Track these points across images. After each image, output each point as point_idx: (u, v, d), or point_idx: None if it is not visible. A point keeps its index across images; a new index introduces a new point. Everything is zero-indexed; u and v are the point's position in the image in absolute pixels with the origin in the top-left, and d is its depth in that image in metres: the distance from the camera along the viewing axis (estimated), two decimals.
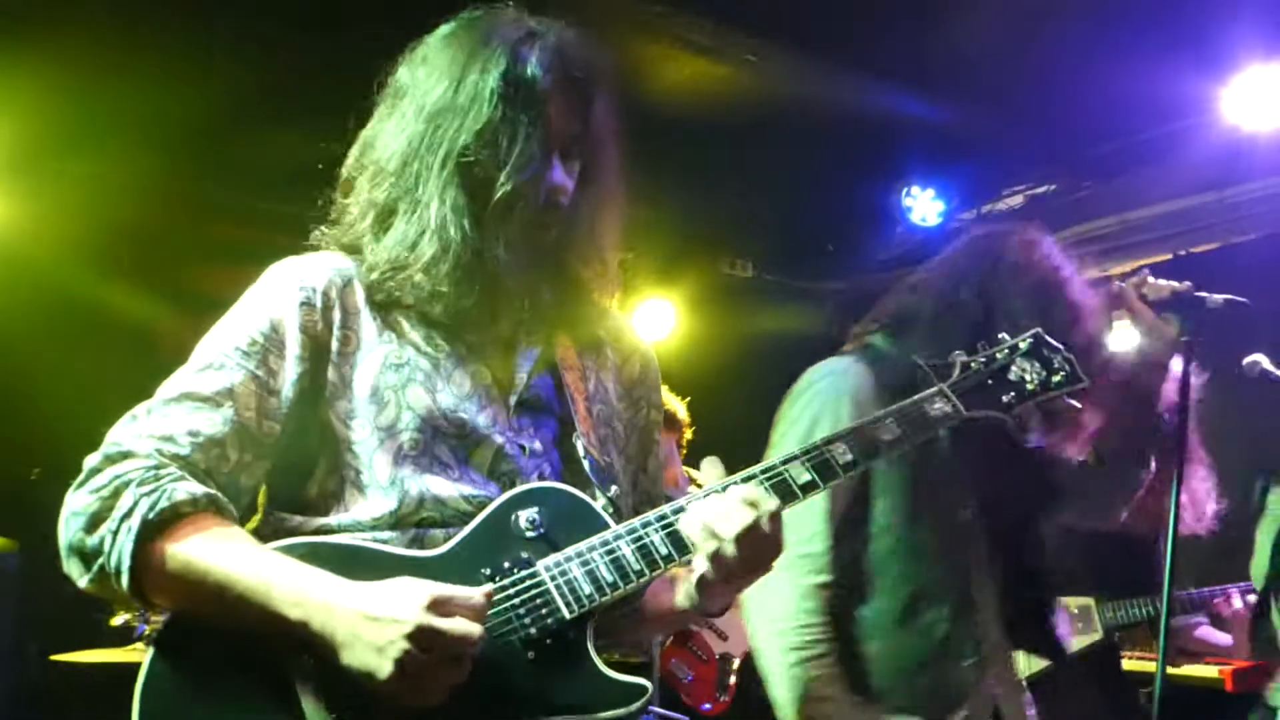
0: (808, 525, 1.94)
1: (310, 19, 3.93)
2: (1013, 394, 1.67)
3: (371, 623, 1.31)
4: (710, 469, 2.66)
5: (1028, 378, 1.68)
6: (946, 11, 4.10)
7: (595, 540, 1.44)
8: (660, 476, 1.73)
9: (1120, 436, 2.21)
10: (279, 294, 1.53)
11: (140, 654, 2.94)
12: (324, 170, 1.64)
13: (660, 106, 4.70)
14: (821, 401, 2.04)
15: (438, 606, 1.32)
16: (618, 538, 1.44)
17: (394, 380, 1.51)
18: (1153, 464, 2.22)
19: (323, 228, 1.62)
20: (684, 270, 5.85)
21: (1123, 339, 2.23)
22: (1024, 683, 2.17)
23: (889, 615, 1.96)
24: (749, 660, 4.05)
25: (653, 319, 5.81)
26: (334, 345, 1.52)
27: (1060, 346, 1.71)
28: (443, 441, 1.50)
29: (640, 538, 1.43)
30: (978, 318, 2.01)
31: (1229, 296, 2.11)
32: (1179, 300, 2.09)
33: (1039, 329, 1.71)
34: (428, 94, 1.53)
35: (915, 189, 5.25)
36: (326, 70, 4.26)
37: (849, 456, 1.53)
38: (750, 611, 1.99)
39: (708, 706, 4.09)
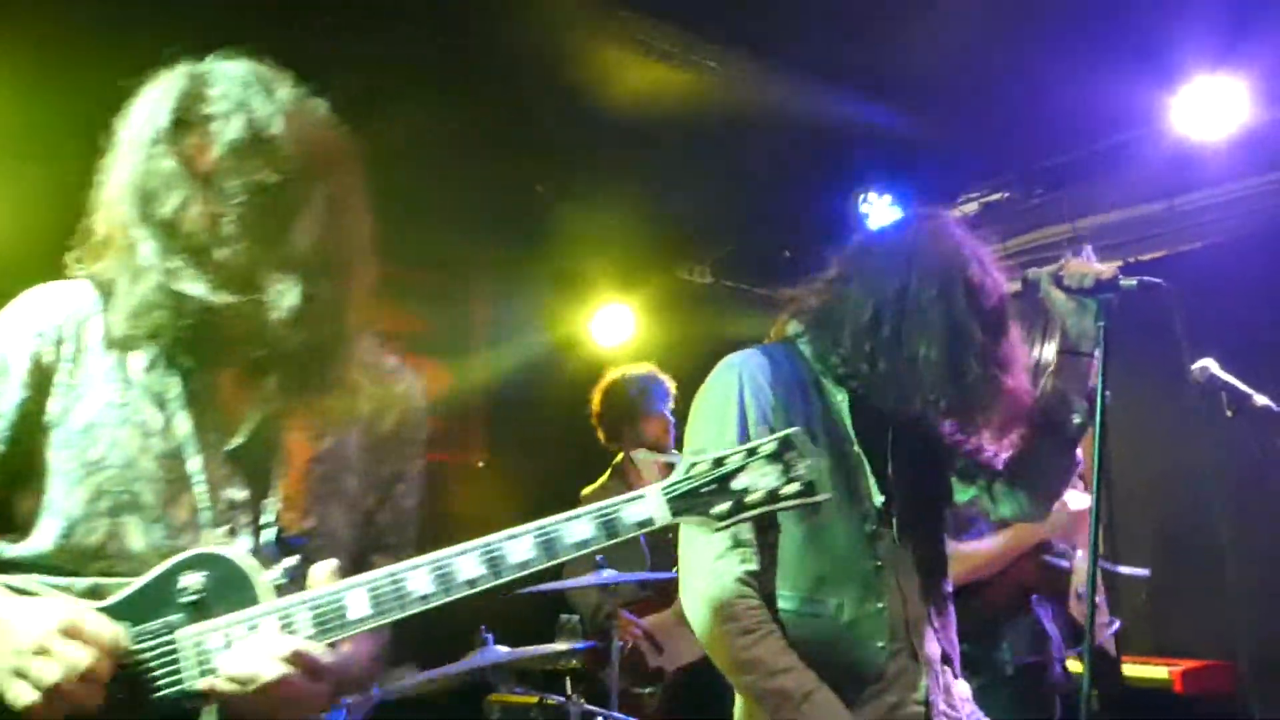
0: None
1: (270, 19, 3.91)
2: (728, 505, 1.54)
3: (5, 633, 1.37)
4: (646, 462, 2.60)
5: (752, 487, 1.55)
6: (904, 21, 4.15)
7: (243, 615, 1.45)
8: (400, 523, 1.74)
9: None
10: (16, 322, 1.57)
11: None
12: None
13: (620, 112, 4.72)
14: (715, 398, 2.08)
15: (68, 630, 1.36)
16: (267, 614, 1.45)
17: (112, 418, 1.53)
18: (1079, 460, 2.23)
19: (78, 257, 1.61)
20: (643, 276, 5.86)
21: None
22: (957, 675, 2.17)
23: (796, 600, 2.00)
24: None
25: (611, 324, 5.82)
26: (61, 377, 1.54)
27: (810, 454, 1.58)
28: (147, 484, 1.51)
29: (288, 618, 1.45)
30: (885, 308, 2.05)
31: (1143, 278, 2.10)
32: (1098, 285, 2.08)
33: (795, 431, 1.59)
34: (125, 139, 1.54)
35: (872, 195, 5.29)
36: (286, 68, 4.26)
37: (527, 555, 1.55)
38: (694, 603, 2.00)
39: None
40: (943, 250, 2.08)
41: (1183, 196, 4.89)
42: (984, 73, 4.47)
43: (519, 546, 1.56)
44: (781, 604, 2.00)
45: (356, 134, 4.58)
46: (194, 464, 1.52)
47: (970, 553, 3.20)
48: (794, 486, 1.54)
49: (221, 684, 1.41)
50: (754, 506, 1.54)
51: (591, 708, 3.53)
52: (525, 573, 1.55)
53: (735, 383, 2.05)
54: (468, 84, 4.56)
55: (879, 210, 5.30)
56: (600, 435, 4.50)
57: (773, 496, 1.54)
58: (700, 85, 4.64)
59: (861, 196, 5.29)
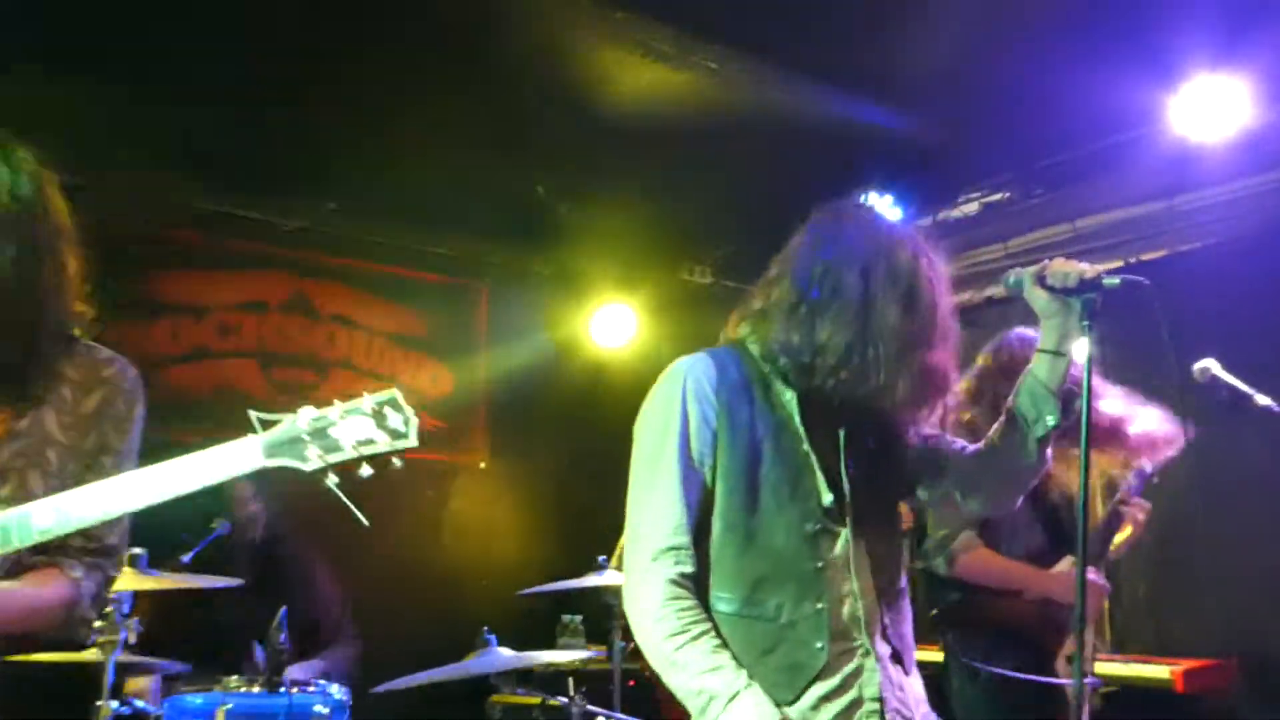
0: (670, 518, 1.98)
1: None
2: (319, 450, 1.72)
3: None
4: None
5: (345, 439, 1.73)
6: (904, 22, 4.15)
7: None
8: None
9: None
10: None
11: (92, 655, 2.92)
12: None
13: (622, 112, 4.73)
14: (659, 405, 2.07)
15: None
16: None
17: None
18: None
19: None
20: (643, 276, 5.87)
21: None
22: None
23: (736, 602, 1.99)
24: None
25: (612, 325, 5.82)
26: None
27: (408, 413, 1.75)
28: None
29: None
30: (806, 298, 2.05)
31: (1127, 277, 2.08)
32: (1082, 285, 2.07)
33: (395, 390, 1.75)
34: None
35: (873, 195, 5.29)
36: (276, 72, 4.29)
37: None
38: (629, 610, 2.01)
39: None
40: (863, 235, 2.11)
41: (1182, 196, 4.88)
42: (984, 73, 4.47)
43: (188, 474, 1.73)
44: (721, 606, 2.00)
45: (365, 138, 4.59)
46: None
47: (1019, 569, 3.22)
48: (384, 437, 1.72)
49: None
50: (342, 452, 1.72)
51: (594, 709, 3.54)
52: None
53: (679, 389, 2.05)
54: (471, 86, 4.58)
55: (880, 210, 5.29)
56: None
57: (363, 445, 1.72)
58: (700, 86, 4.65)
59: (862, 197, 5.29)
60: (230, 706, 3.07)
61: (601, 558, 3.82)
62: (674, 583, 1.96)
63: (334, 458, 1.71)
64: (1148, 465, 3.35)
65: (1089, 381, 2.07)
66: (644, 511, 2.01)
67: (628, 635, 4.14)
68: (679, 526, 1.98)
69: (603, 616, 4.14)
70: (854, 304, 2.01)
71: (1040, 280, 2.11)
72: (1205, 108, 4.25)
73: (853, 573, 2.04)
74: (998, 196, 5.47)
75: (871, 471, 2.14)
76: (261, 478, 1.74)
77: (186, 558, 3.81)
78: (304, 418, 1.73)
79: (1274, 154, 4.43)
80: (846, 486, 2.07)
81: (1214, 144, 4.35)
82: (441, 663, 3.33)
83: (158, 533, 3.69)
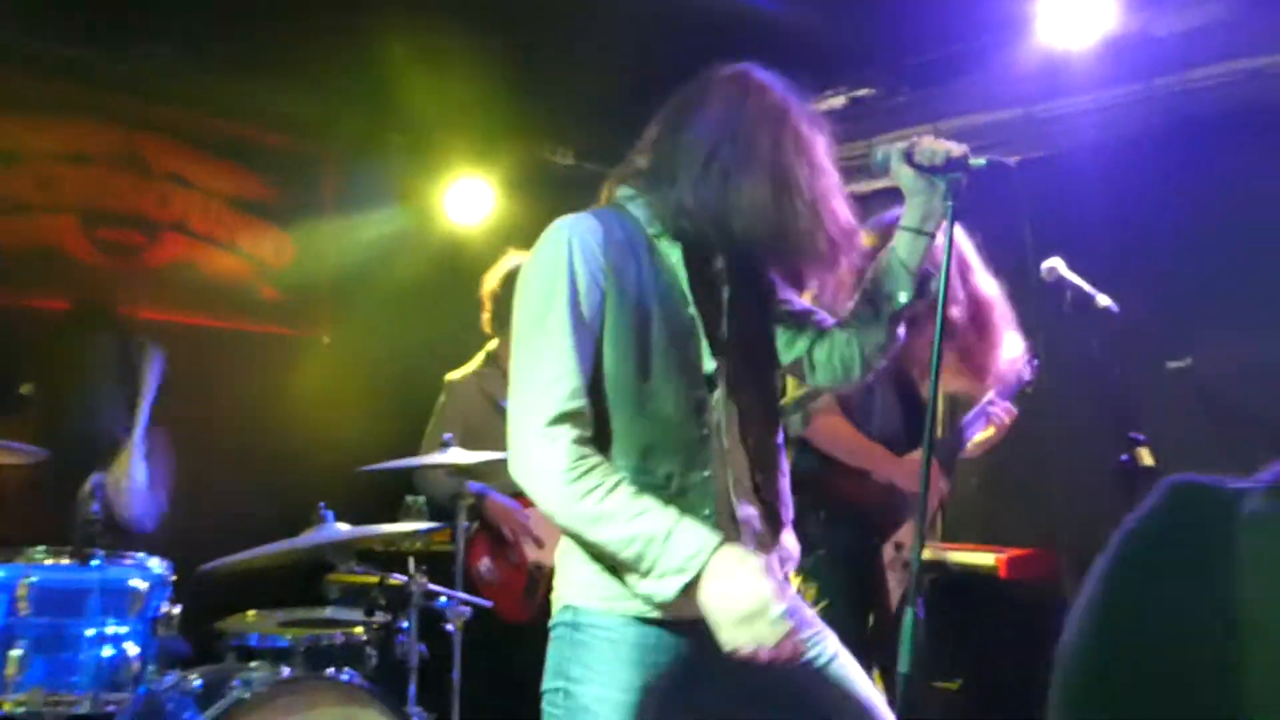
0: (565, 382, 1.94)
1: None
2: None
3: None
4: None
5: None
6: None
7: None
8: None
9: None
10: None
11: None
12: None
13: None
14: (544, 263, 2.01)
15: None
16: None
17: None
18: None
19: None
20: (503, 152, 5.67)
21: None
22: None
23: (628, 471, 1.97)
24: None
25: (467, 199, 5.62)
26: None
27: None
28: None
29: None
30: (720, 150, 2.03)
31: (993, 158, 2.08)
32: (949, 164, 2.05)
33: None
34: None
35: None
36: None
37: None
38: (524, 479, 1.95)
39: (514, 614, 4.05)
40: (767, 97, 2.12)
41: (1043, 104, 4.96)
42: None
43: None
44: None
45: None
46: None
47: (870, 447, 3.23)
48: None
49: None
50: None
51: (435, 587, 3.47)
52: None
53: (564, 246, 1.99)
54: None
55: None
56: (487, 317, 4.27)
57: None
58: None
59: None
60: (35, 579, 2.86)
61: (448, 436, 3.71)
62: (577, 443, 1.91)
63: None
64: (1019, 376, 3.41)
65: (948, 263, 2.05)
66: (534, 375, 1.96)
67: (471, 515, 4.12)
68: (574, 390, 1.93)
69: (446, 497, 4.06)
70: (768, 161, 2.00)
71: (908, 157, 2.08)
72: (1070, 17, 4.28)
73: (730, 438, 2.05)
74: (863, 92, 5.45)
75: (750, 336, 2.14)
76: None
77: None
78: None
79: (1134, 66, 4.51)
80: (725, 351, 2.07)
81: (1078, 52, 4.40)
82: (277, 540, 3.20)
83: None
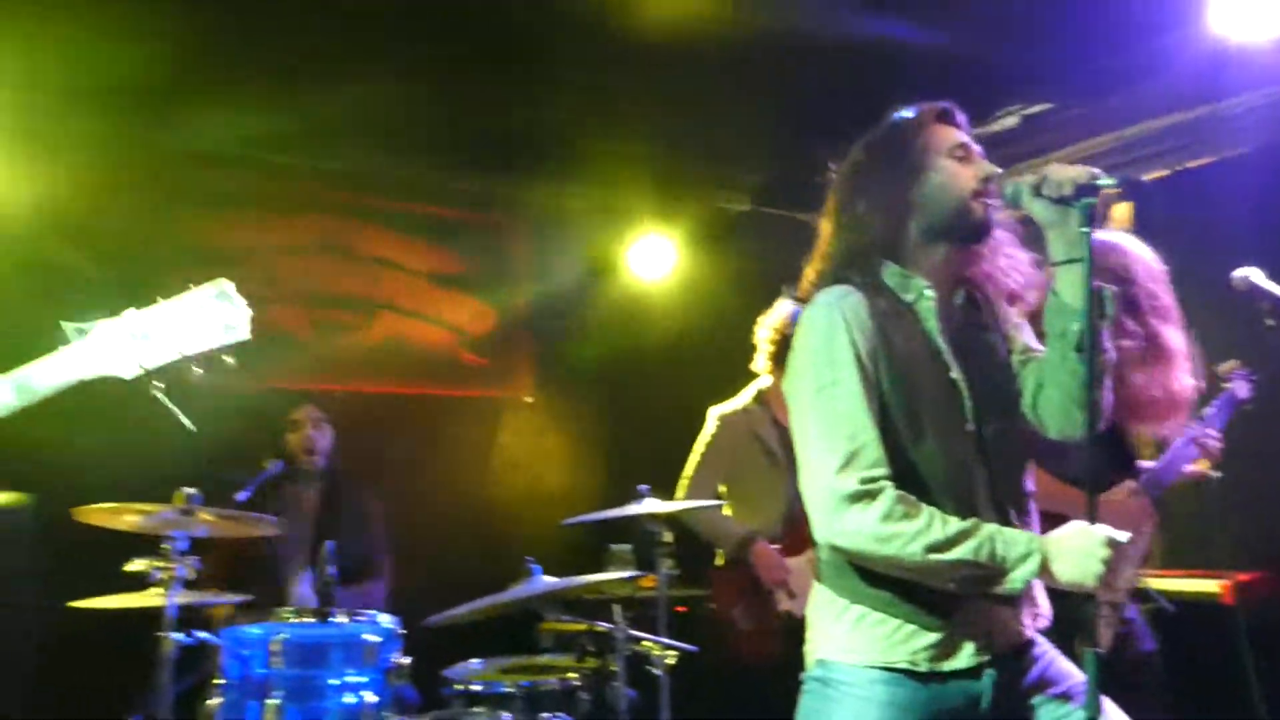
0: (870, 451, 2.03)
1: None
2: (142, 356, 1.75)
3: None
4: None
5: (172, 339, 1.74)
6: None
7: None
8: None
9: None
10: None
11: (154, 598, 3.06)
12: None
13: (646, 40, 4.69)
14: (821, 336, 2.11)
15: None
16: None
17: None
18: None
19: None
20: (681, 206, 5.86)
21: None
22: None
23: None
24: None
25: (651, 256, 5.83)
26: None
27: (240, 304, 1.81)
28: None
29: None
30: (879, 220, 2.18)
31: (1126, 177, 2.05)
32: (1078, 190, 2.04)
33: (226, 280, 1.82)
34: None
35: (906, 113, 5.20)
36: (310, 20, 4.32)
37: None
38: (852, 538, 2.02)
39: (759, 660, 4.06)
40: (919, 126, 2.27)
41: (1228, 100, 4.77)
42: None
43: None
44: None
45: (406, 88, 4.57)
46: None
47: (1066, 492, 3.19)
48: (216, 333, 1.76)
49: None
50: (166, 354, 1.73)
51: (637, 633, 3.62)
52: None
53: (839, 319, 2.10)
54: (492, 21, 4.58)
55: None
56: (764, 358, 4.25)
57: (191, 343, 1.74)
58: (729, 11, 4.61)
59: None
60: (286, 636, 3.19)
61: (643, 487, 3.86)
62: (894, 497, 1.99)
63: (156, 361, 1.68)
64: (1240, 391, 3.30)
65: (1089, 288, 2.06)
66: (835, 442, 2.03)
67: (678, 563, 4.25)
68: (879, 458, 2.02)
69: (648, 545, 4.22)
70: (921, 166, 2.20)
71: (1036, 190, 2.09)
72: (1244, 8, 4.13)
73: (983, 493, 2.12)
74: (1037, 108, 5.37)
75: (1002, 393, 2.21)
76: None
77: (241, 495, 3.92)
78: (120, 323, 1.70)
79: None
80: (983, 411, 2.15)
81: (1255, 46, 4.23)
82: (488, 594, 3.42)
83: (213, 469, 3.88)
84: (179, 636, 3.06)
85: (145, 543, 3.11)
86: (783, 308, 4.29)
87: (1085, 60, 5.00)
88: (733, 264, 5.76)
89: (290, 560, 3.97)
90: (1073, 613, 2.98)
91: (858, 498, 1.99)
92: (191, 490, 3.12)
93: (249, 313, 1.72)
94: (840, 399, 2.04)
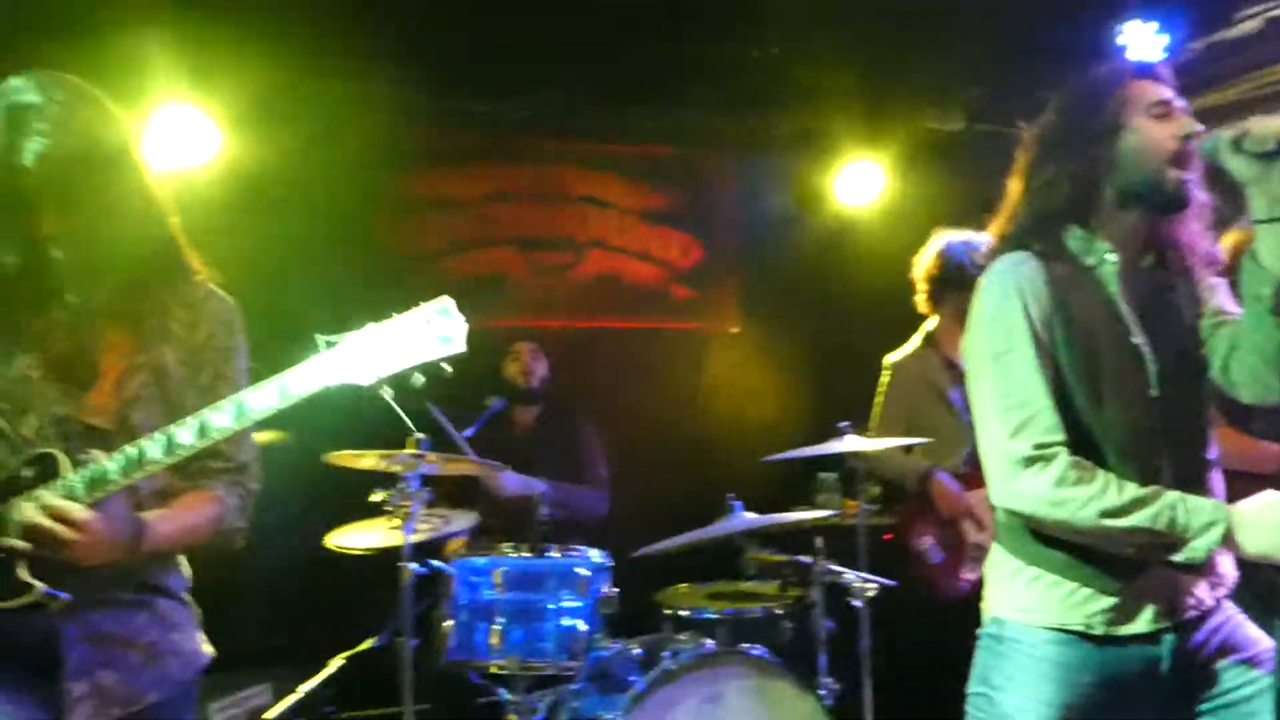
0: (1045, 416, 2.05)
1: None
2: (377, 365, 1.87)
3: None
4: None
5: (401, 349, 1.87)
6: None
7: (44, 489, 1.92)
8: None
9: None
10: None
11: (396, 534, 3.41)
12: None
13: None
14: (996, 303, 2.13)
15: None
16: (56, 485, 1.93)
17: None
18: None
19: None
20: (887, 129, 5.74)
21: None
22: None
23: None
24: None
25: (857, 182, 5.77)
26: None
27: (458, 317, 1.91)
28: None
29: (68, 485, 1.91)
30: (1069, 184, 2.14)
31: None
32: None
33: (449, 299, 1.92)
34: None
35: (1135, 23, 4.91)
36: None
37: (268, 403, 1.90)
38: (1029, 503, 2.06)
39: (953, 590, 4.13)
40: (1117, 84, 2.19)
41: None
42: None
43: (261, 397, 1.91)
44: None
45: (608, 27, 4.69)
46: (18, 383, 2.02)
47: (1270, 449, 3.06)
48: (435, 345, 1.87)
49: (11, 540, 1.87)
50: (396, 364, 1.87)
51: (834, 567, 3.74)
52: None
53: (1013, 286, 2.11)
54: None
55: (1141, 39, 4.92)
56: (922, 299, 4.31)
57: (415, 353, 1.87)
58: None
59: (1119, 28, 4.93)
60: (506, 569, 3.51)
61: (844, 424, 3.92)
62: (1070, 464, 2.02)
63: (388, 369, 1.87)
64: None
65: None
66: (1010, 410, 2.06)
67: (885, 491, 4.31)
68: (1055, 423, 2.04)
69: (849, 478, 4.30)
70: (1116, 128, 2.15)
71: (1236, 145, 2.02)
72: None
73: (1174, 457, 2.10)
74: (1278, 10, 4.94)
75: (1186, 355, 2.18)
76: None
77: (468, 431, 4.25)
78: (361, 336, 1.89)
79: None
80: (1167, 375, 2.13)
81: None
82: (692, 527, 3.61)
83: (443, 406, 4.22)
84: (416, 566, 3.41)
85: (386, 478, 3.45)
86: (935, 244, 4.25)
87: None
88: (945, 186, 5.61)
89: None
90: (1262, 583, 2.91)
91: (1031, 461, 2.02)
92: (421, 435, 3.42)
93: (465, 327, 1.90)
94: (1014, 366, 2.06)
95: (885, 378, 4.36)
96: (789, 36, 5.31)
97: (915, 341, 4.39)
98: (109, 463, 1.92)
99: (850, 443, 3.86)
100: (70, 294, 2.03)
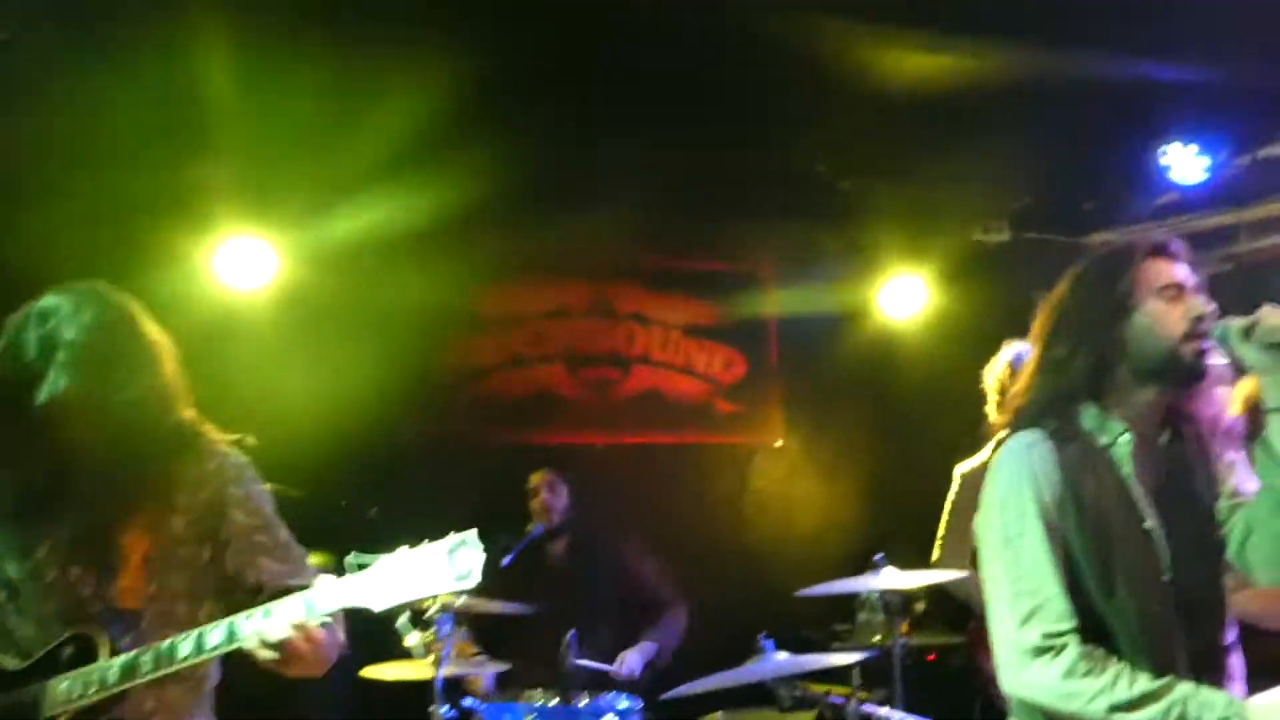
0: (1055, 605, 2.04)
1: None
2: (392, 593, 1.92)
3: None
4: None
5: (418, 579, 1.91)
6: None
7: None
8: (248, 562, 2.20)
9: None
10: None
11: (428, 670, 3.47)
12: None
13: (898, 90, 4.71)
14: (1008, 483, 2.14)
15: None
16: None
17: None
18: None
19: None
20: (933, 243, 5.80)
21: None
22: None
23: None
24: None
25: (901, 296, 5.82)
26: None
27: (478, 551, 1.94)
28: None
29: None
30: (1083, 362, 2.15)
31: None
32: None
33: (474, 532, 1.95)
34: None
35: (1176, 146, 4.96)
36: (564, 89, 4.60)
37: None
38: (1036, 691, 2.06)
39: None
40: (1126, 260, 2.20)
41: None
42: None
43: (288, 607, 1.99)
44: None
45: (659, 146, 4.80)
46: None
47: None
48: (450, 579, 1.92)
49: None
50: (410, 593, 1.92)
51: (869, 708, 3.73)
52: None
53: (1025, 467, 2.12)
54: (750, 87, 4.73)
55: (1183, 161, 4.96)
56: (993, 407, 4.16)
57: (429, 585, 1.92)
58: (979, 66, 4.57)
59: (1161, 150, 4.98)
60: (533, 717, 3.57)
61: (879, 556, 3.93)
62: (1080, 653, 2.01)
63: (401, 600, 1.94)
64: None
65: None
66: (1020, 595, 2.06)
67: (909, 628, 4.28)
68: (1064, 613, 2.03)
69: (885, 611, 4.29)
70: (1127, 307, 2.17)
71: (1247, 334, 2.05)
72: None
73: (1186, 641, 2.09)
74: None
75: (1201, 539, 2.17)
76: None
77: (506, 560, 4.32)
78: (389, 562, 1.96)
79: None
80: (1181, 559, 2.11)
81: None
82: (734, 649, 3.62)
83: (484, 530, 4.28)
84: (446, 710, 3.47)
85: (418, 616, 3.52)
86: (1006, 353, 4.24)
87: None
88: (989, 297, 5.64)
89: (551, 617, 4.30)
90: None
91: (1041, 651, 2.02)
92: None
93: (483, 558, 1.96)
94: (1025, 551, 2.06)
95: (955, 487, 4.32)
96: (836, 151, 5.42)
97: (986, 451, 4.36)
98: (144, 656, 2.05)
99: (885, 577, 3.87)
100: (87, 488, 2.17)
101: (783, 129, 5.13)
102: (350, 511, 4.43)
